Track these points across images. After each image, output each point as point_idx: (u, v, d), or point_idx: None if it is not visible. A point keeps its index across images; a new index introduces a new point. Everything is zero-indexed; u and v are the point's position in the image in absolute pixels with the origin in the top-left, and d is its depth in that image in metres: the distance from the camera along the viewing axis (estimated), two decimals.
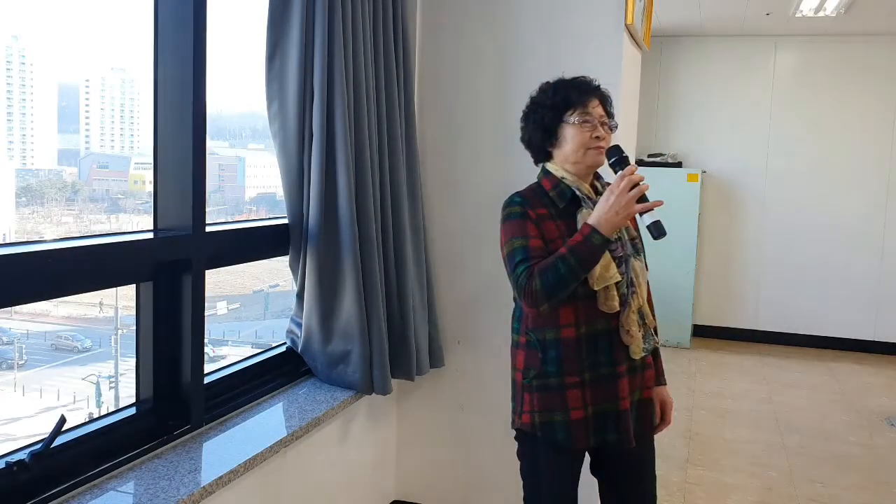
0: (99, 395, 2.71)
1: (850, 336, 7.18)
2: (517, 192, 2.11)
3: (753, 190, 7.39)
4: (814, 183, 7.22)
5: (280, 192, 2.50)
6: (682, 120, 7.46)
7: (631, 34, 3.03)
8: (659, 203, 1.90)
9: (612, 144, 2.05)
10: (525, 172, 2.99)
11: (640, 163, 6.78)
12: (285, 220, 2.52)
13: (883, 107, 7.03)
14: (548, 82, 2.15)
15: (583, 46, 2.93)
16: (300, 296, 2.57)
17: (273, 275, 3.14)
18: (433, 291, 3.04)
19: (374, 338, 2.59)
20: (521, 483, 2.22)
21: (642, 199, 1.89)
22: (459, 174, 3.11)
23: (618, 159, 2.00)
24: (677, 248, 6.93)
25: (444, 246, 3.15)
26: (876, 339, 7.12)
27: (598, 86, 2.14)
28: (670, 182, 6.99)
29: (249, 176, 3.00)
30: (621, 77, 2.93)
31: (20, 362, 2.70)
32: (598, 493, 2.22)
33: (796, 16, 6.26)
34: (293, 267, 2.57)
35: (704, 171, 7.33)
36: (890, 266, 7.08)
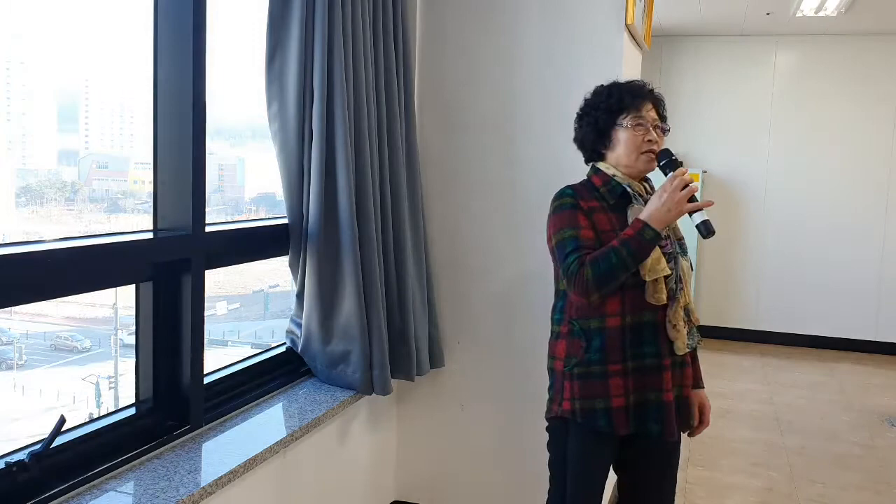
0: (98, 395, 2.71)
1: (851, 336, 7.17)
2: (568, 185, 2.15)
3: (754, 189, 7.38)
4: (814, 182, 7.21)
5: (280, 192, 2.49)
6: (682, 119, 7.45)
7: (631, 34, 3.03)
8: (709, 203, 1.99)
9: (662, 148, 2.10)
10: (526, 170, 3.00)
11: None
12: (285, 220, 2.52)
13: (884, 106, 7.02)
14: (602, 85, 2.20)
15: (583, 46, 2.93)
16: (300, 296, 2.57)
17: (273, 275, 3.14)
18: (433, 291, 3.04)
19: (374, 338, 2.58)
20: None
21: (692, 199, 1.97)
22: (460, 174, 3.11)
23: (668, 161, 2.06)
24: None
25: (444, 245, 3.14)
26: (877, 340, 7.11)
27: (652, 89, 2.18)
28: None
29: (249, 176, 3.00)
30: (622, 76, 2.92)
31: (20, 362, 2.70)
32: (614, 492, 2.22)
33: (797, 15, 6.25)
34: (293, 267, 2.57)
35: (705, 171, 7.33)
36: (890, 266, 7.07)
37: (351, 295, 2.50)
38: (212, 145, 2.15)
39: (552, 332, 2.19)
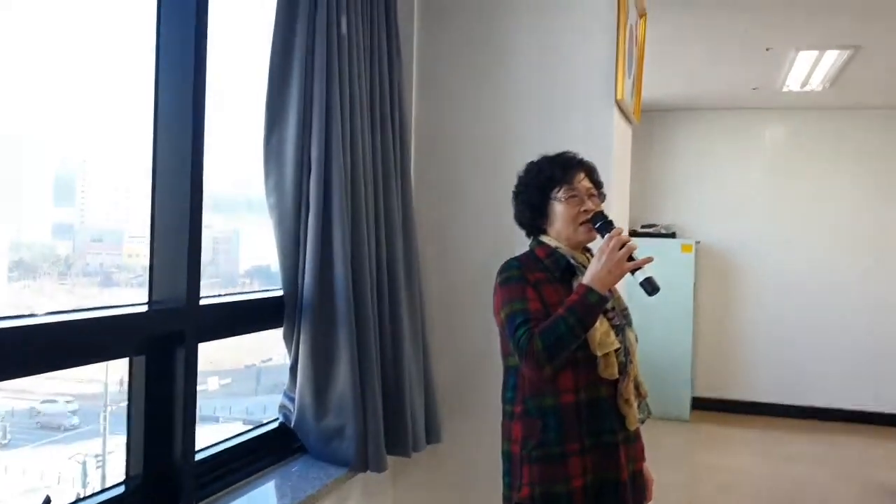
0: (85, 474, 2.64)
1: (851, 407, 7.12)
2: (513, 258, 2.14)
3: (748, 260, 7.43)
4: (806, 252, 7.27)
5: (275, 264, 2.49)
6: (674, 191, 7.54)
7: (621, 109, 3.09)
8: (649, 259, 1.96)
9: (596, 211, 2.08)
10: (521, 240, 3.00)
11: (633, 233, 6.81)
12: (280, 293, 2.51)
13: (870, 176, 7.15)
14: (532, 161, 2.21)
15: (574, 121, 2.98)
16: (293, 369, 2.53)
17: (266, 349, 3.10)
18: (430, 363, 3.01)
19: (369, 413, 2.54)
20: None
21: (631, 258, 1.94)
22: (456, 244, 3.11)
23: (603, 223, 2.04)
24: (673, 320, 6.91)
25: (441, 315, 3.12)
26: (877, 411, 7.05)
27: (582, 159, 2.18)
28: (664, 253, 7.02)
29: (244, 248, 3.00)
30: (613, 150, 2.97)
31: (3, 442, 2.63)
32: None
33: (783, 90, 6.40)
34: (287, 339, 2.54)
35: (698, 242, 7.38)
36: (886, 335, 7.07)
37: (346, 368, 2.47)
38: (207, 218, 2.15)
39: (504, 412, 2.13)
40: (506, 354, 2.15)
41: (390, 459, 2.73)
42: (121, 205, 2.60)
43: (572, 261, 2.08)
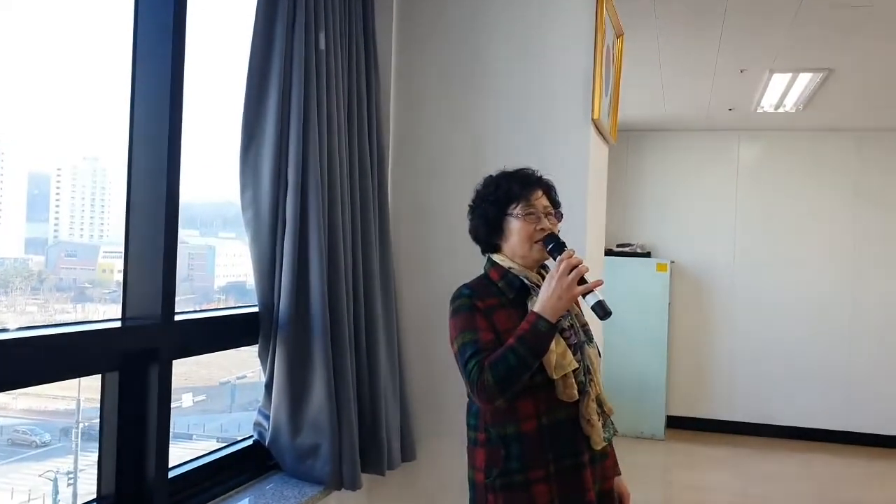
0: (56, 492, 2.60)
1: (823, 426, 7.18)
2: (465, 284, 2.10)
3: (722, 278, 7.49)
4: (780, 271, 7.36)
5: (250, 280, 2.47)
6: (650, 211, 7.60)
7: (597, 128, 3.11)
8: (599, 283, 1.95)
9: (548, 232, 2.05)
10: None
11: (608, 253, 6.85)
12: (255, 309, 2.49)
13: (841, 196, 7.26)
14: (491, 175, 2.18)
15: (551, 139, 3.00)
16: (268, 386, 2.51)
17: (240, 365, 3.08)
18: (405, 382, 3.00)
19: (344, 431, 2.53)
20: None
21: (582, 281, 1.91)
22: (432, 263, 3.11)
23: (555, 245, 2.01)
24: (649, 338, 6.95)
25: (417, 334, 3.12)
26: (848, 430, 7.12)
27: (541, 177, 2.16)
28: (639, 272, 7.08)
29: (219, 265, 2.98)
30: (589, 169, 2.99)
31: None
32: None
33: (757, 111, 6.50)
34: (262, 356, 2.52)
35: (673, 261, 7.43)
36: (857, 354, 7.16)
37: (321, 386, 2.46)
38: (182, 234, 2.14)
39: (469, 437, 2.10)
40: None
41: (365, 477, 2.72)
42: (95, 219, 2.58)
43: (526, 281, 2.05)
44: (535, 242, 2.05)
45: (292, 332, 2.44)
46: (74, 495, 2.53)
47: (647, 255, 7.43)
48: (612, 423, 2.10)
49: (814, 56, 4.98)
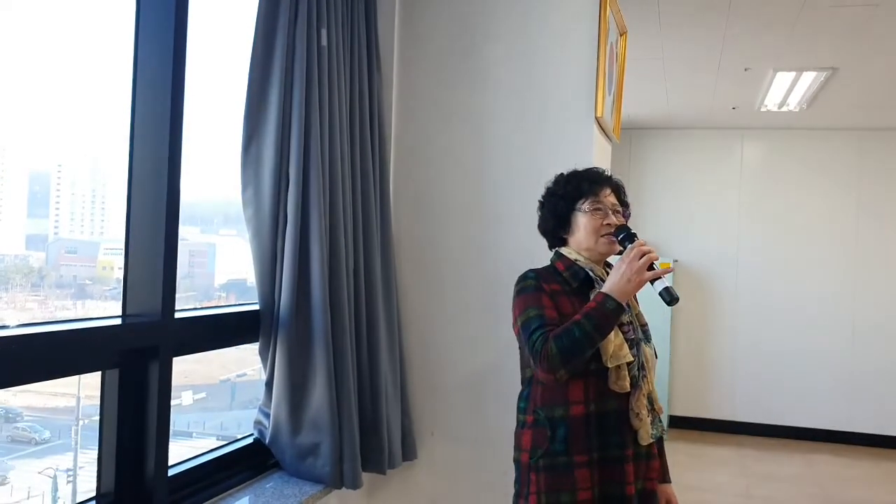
0: (55, 489, 2.60)
1: (826, 427, 7.16)
2: (531, 269, 2.16)
3: (725, 278, 7.47)
4: (783, 270, 7.33)
5: (251, 278, 2.46)
6: (652, 210, 7.59)
7: (601, 126, 3.10)
8: (669, 269, 2.04)
9: (619, 224, 2.12)
10: (499, 258, 3.00)
11: None
12: (256, 307, 2.48)
13: (845, 195, 7.23)
14: (562, 173, 2.25)
15: (554, 137, 2.99)
16: (269, 384, 2.51)
17: (241, 363, 3.07)
18: (406, 380, 2.99)
19: (344, 429, 2.52)
20: None
21: (651, 268, 1.98)
22: (433, 261, 3.10)
23: (626, 235, 2.08)
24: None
25: (417, 334, 3.11)
26: (851, 430, 7.10)
27: (610, 176, 2.23)
28: None
29: (220, 262, 2.97)
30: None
31: None
32: None
33: (761, 110, 6.47)
34: (263, 354, 2.51)
35: (676, 260, 7.42)
36: (860, 354, 7.13)
37: (322, 384, 2.45)
38: (183, 231, 2.13)
39: (518, 420, 2.15)
40: (524, 366, 2.18)
41: (365, 476, 2.71)
42: (96, 216, 2.57)
43: (591, 273, 2.12)
44: (602, 237, 2.12)
45: (293, 330, 2.43)
46: (74, 493, 2.53)
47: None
48: (661, 422, 2.12)
49: (818, 55, 4.96)
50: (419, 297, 3.12)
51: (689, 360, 7.49)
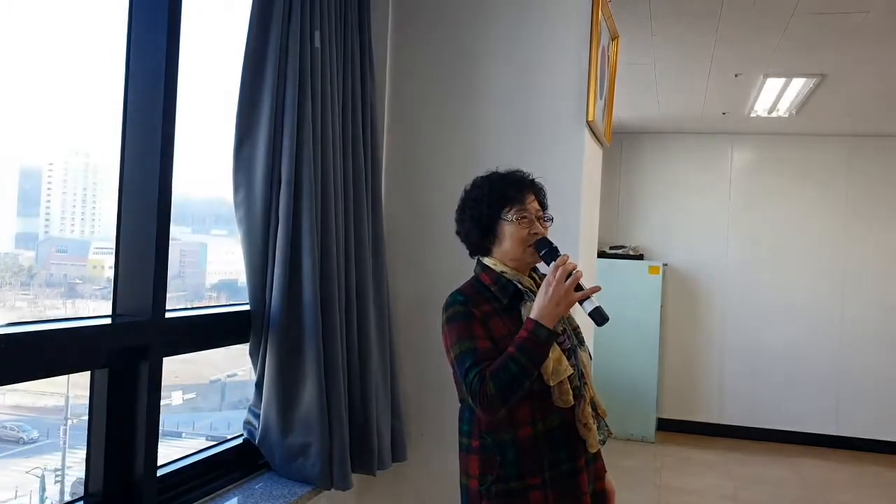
0: (43, 489, 2.58)
1: (813, 431, 7.20)
2: (458, 291, 2.06)
3: (714, 282, 7.51)
4: (771, 275, 7.38)
5: (242, 278, 2.46)
6: (643, 213, 7.61)
7: (592, 130, 3.11)
8: (596, 289, 1.91)
9: (540, 237, 2.03)
10: None
11: (601, 255, 6.86)
12: (247, 307, 2.48)
13: (834, 201, 7.29)
14: (482, 177, 2.14)
15: (546, 141, 3.00)
16: (259, 385, 2.50)
17: (231, 363, 3.06)
18: (397, 382, 2.99)
19: (334, 430, 2.52)
20: None
21: (579, 288, 1.89)
22: (425, 262, 3.11)
23: (548, 251, 1.99)
24: (640, 341, 6.95)
25: (408, 335, 3.11)
26: (838, 434, 7.14)
27: (533, 180, 2.13)
28: (632, 274, 7.08)
29: (211, 262, 2.96)
30: (583, 171, 2.99)
31: None
32: None
33: (751, 116, 6.51)
34: (253, 355, 2.51)
35: (666, 264, 7.44)
36: (847, 360, 7.18)
37: (312, 385, 2.45)
38: (174, 230, 2.12)
39: (461, 444, 2.07)
40: (460, 391, 2.08)
41: (355, 477, 2.71)
42: (86, 215, 2.57)
43: (519, 286, 2.03)
44: (529, 246, 2.03)
45: (284, 331, 2.43)
46: (62, 493, 2.52)
47: (640, 257, 7.43)
48: (606, 425, 2.09)
49: (807, 61, 5.00)
50: (410, 299, 3.12)
51: (677, 363, 7.51)
